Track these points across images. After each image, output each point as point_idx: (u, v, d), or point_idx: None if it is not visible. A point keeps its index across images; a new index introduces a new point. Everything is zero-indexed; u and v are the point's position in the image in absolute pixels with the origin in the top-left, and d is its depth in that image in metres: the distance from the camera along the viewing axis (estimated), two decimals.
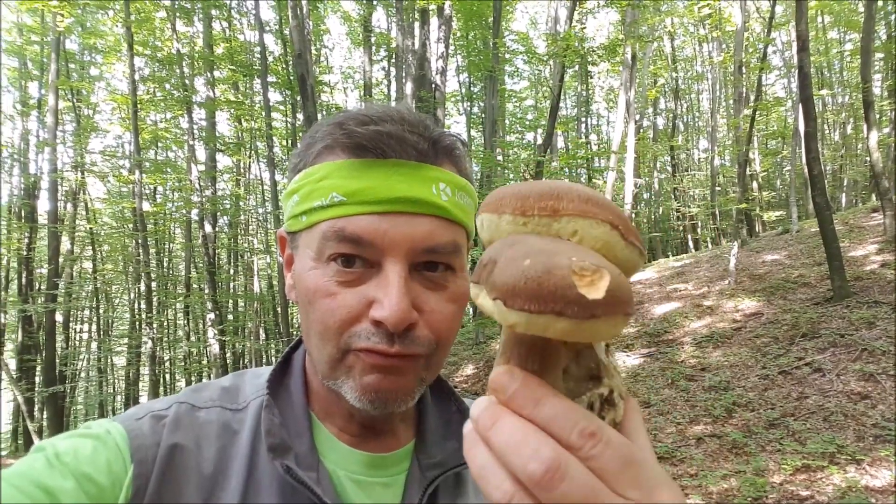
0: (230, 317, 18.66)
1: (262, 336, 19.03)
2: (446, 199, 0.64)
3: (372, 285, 0.62)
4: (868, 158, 13.32)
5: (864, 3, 12.42)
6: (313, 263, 0.64)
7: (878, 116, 13.40)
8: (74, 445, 0.59)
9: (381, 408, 0.63)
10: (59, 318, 16.38)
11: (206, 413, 0.68)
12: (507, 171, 14.46)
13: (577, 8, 11.49)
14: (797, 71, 8.81)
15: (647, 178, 21.83)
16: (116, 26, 15.83)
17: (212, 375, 14.01)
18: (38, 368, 15.43)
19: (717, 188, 19.88)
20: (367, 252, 0.62)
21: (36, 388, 14.43)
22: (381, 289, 0.61)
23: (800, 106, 9.66)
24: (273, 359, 16.53)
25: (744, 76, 16.25)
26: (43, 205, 16.79)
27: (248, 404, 0.70)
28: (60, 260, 15.47)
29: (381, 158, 0.63)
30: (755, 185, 18.50)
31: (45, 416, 14.67)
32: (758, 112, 15.23)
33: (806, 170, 9.25)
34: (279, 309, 14.91)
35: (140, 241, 14.01)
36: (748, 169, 15.65)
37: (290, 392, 0.72)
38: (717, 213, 19.92)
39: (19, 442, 12.75)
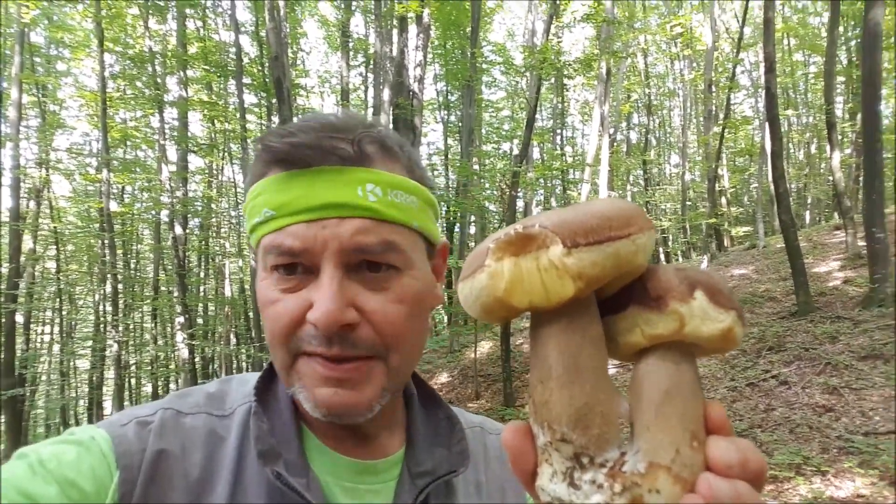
0: (200, 321, 18.28)
1: (234, 341, 18.69)
2: (374, 200, 0.64)
3: (311, 289, 0.63)
4: (831, 178, 13.82)
5: (827, 28, 12.92)
6: (263, 275, 0.66)
7: (840, 137, 13.91)
8: (58, 451, 0.59)
9: (337, 420, 0.64)
10: (19, 318, 15.80)
11: (192, 419, 0.68)
12: (483, 181, 14.56)
13: (553, 22, 11.65)
14: (764, 91, 9.12)
15: (620, 191, 22.21)
16: (86, 21, 15.44)
17: (180, 381, 13.69)
18: None
19: (688, 203, 20.34)
20: (303, 259, 0.63)
21: None
22: (316, 292, 0.62)
23: (766, 125, 9.98)
24: (244, 365, 16.25)
25: (713, 94, 16.72)
26: (4, 202, 16.22)
27: (235, 411, 0.70)
28: (22, 259, 14.94)
29: (304, 168, 0.63)
30: (724, 200, 18.99)
31: (2, 419, 14.11)
32: (726, 130, 15.68)
33: (772, 187, 9.55)
34: (251, 314, 14.68)
35: (107, 241, 13.65)
36: (717, 185, 16.07)
37: (278, 399, 0.71)
38: (687, 227, 20.37)
39: None
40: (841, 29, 15.70)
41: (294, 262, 0.63)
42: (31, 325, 19.55)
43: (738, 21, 16.92)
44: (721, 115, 15.70)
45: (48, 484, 0.55)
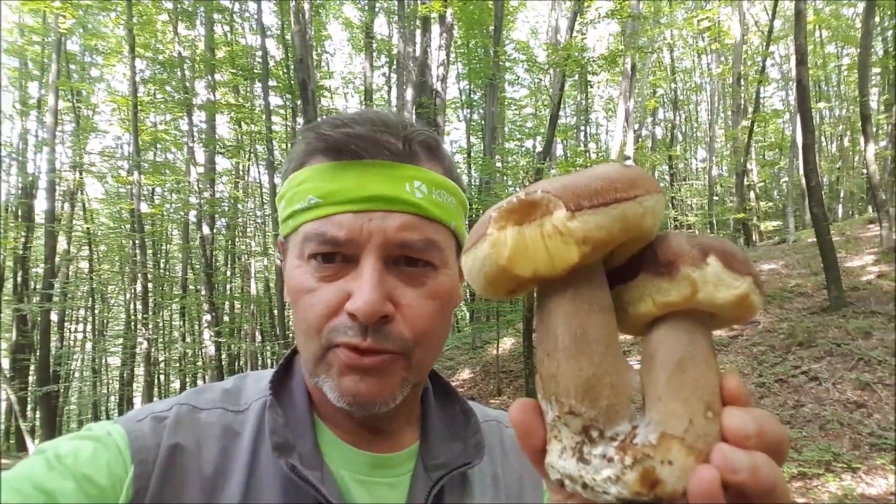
0: (226, 318, 18.60)
1: (259, 338, 18.97)
2: (421, 197, 0.65)
3: (349, 279, 0.63)
4: (865, 171, 13.41)
5: (862, 18, 12.54)
6: (297, 262, 0.67)
7: (874, 130, 13.49)
8: (75, 447, 0.60)
9: (360, 410, 0.64)
10: (53, 317, 16.30)
11: (208, 414, 0.68)
12: (506, 178, 14.51)
13: (577, 19, 11.56)
14: (795, 84, 8.88)
15: None
16: (118, 28, 15.87)
17: (207, 377, 13.95)
18: (32, 368, 15.33)
19: (715, 198, 19.96)
20: (344, 249, 0.63)
21: (29, 388, 14.32)
22: (355, 282, 0.62)
23: (798, 118, 9.72)
24: (269, 361, 16.47)
25: (742, 88, 16.37)
26: (40, 204, 16.77)
27: (250, 406, 0.70)
28: (57, 259, 15.41)
29: (355, 160, 0.65)
30: (752, 195, 18.58)
31: (37, 415, 14.56)
32: (756, 124, 15.33)
33: (803, 181, 9.30)
34: (276, 311, 14.87)
35: (137, 241, 13.98)
36: (746, 179, 15.73)
37: (293, 393, 0.72)
38: (714, 222, 20.00)
39: (11, 442, 12.64)
40: (877, 18, 15.23)
41: (334, 251, 0.64)
42: (65, 324, 20.16)
43: (767, 14, 16.55)
44: (750, 109, 15.36)
45: (65, 479, 0.56)
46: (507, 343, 11.70)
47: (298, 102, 12.12)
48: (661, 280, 0.37)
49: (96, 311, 20.56)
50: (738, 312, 0.38)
